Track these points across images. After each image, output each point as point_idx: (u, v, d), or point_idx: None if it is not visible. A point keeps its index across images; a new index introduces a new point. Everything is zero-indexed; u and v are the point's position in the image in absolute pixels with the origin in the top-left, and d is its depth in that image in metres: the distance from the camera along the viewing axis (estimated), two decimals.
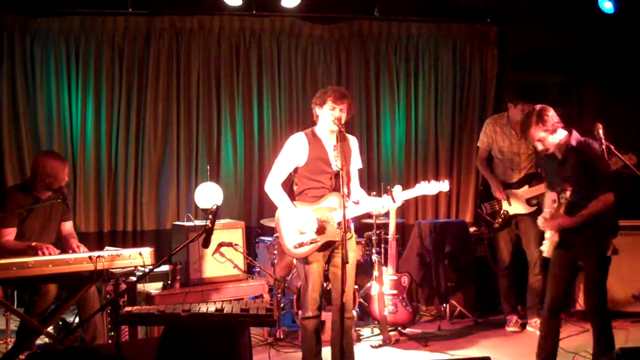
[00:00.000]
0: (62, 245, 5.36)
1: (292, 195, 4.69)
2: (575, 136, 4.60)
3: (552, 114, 4.51)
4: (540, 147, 4.57)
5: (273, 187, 4.64)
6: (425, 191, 4.75)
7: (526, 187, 6.09)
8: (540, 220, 4.74)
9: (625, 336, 5.93)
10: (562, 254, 4.68)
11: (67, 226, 5.48)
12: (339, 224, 4.51)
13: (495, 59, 8.12)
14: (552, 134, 4.51)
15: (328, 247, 4.60)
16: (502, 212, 6.15)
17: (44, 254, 4.87)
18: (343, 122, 4.56)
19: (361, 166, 4.91)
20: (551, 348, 4.74)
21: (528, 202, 6.07)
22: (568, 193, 4.42)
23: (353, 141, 4.81)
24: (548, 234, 4.73)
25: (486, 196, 6.30)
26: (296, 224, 4.55)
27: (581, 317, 6.44)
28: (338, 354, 4.52)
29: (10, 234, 5.09)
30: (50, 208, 5.29)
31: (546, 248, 4.75)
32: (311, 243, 4.53)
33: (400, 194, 4.71)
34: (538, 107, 4.57)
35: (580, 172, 4.52)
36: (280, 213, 4.66)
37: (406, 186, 4.87)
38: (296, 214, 4.56)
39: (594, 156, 4.53)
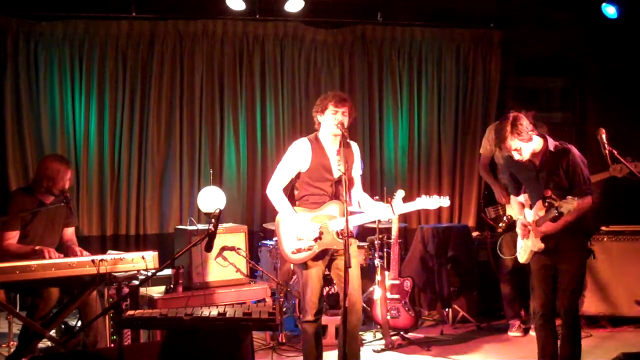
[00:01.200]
0: (63, 251, 5.35)
1: (292, 201, 4.69)
2: (552, 142, 4.60)
3: (525, 123, 4.49)
4: (517, 156, 4.55)
5: (275, 192, 4.64)
6: (425, 205, 4.73)
7: None
8: (520, 228, 4.74)
9: (628, 341, 5.95)
10: (544, 258, 4.66)
11: (69, 232, 5.48)
12: (337, 232, 4.52)
13: (498, 63, 8.11)
14: (528, 142, 4.50)
15: (325, 255, 4.61)
16: (505, 216, 6.15)
17: (47, 257, 4.88)
18: (346, 126, 4.57)
19: (361, 172, 4.92)
20: (551, 355, 4.71)
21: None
22: (572, 203, 4.29)
23: (355, 147, 4.81)
24: (524, 242, 4.74)
25: (490, 200, 6.31)
26: (295, 231, 4.56)
27: (584, 323, 6.43)
28: (343, 356, 4.54)
29: (13, 237, 5.10)
30: (54, 212, 5.30)
31: (524, 255, 4.77)
32: (308, 250, 4.54)
33: (401, 206, 4.68)
34: (510, 117, 4.54)
35: (560, 176, 4.52)
36: (280, 218, 4.66)
37: (408, 192, 4.88)
38: (296, 220, 4.56)
39: (573, 159, 4.53)
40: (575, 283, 4.61)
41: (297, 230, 4.55)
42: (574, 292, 4.62)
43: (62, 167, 5.24)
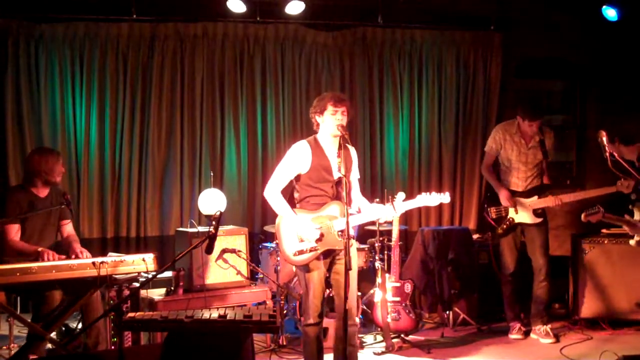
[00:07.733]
0: (64, 247, 5.36)
1: (292, 203, 4.69)
2: None
3: None
4: None
5: (273, 194, 4.64)
6: (426, 202, 4.75)
7: (535, 197, 6.05)
8: None
9: (628, 343, 5.94)
10: None
11: (69, 228, 5.49)
12: (339, 232, 4.52)
13: (499, 66, 8.09)
14: None
15: (328, 255, 4.60)
16: (507, 218, 6.13)
17: (45, 260, 4.88)
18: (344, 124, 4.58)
19: (359, 176, 4.92)
20: None
21: (534, 212, 6.06)
22: None
23: (353, 151, 4.82)
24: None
25: (493, 200, 6.24)
26: (296, 232, 4.56)
27: (584, 325, 6.43)
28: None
29: (16, 230, 5.14)
30: (51, 210, 5.32)
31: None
32: (311, 251, 4.53)
33: (402, 204, 4.71)
34: None
35: None
36: (281, 220, 4.66)
37: (409, 194, 4.86)
38: (297, 221, 4.56)
39: None
40: None
41: (299, 232, 4.54)
42: None
43: (53, 157, 5.30)
